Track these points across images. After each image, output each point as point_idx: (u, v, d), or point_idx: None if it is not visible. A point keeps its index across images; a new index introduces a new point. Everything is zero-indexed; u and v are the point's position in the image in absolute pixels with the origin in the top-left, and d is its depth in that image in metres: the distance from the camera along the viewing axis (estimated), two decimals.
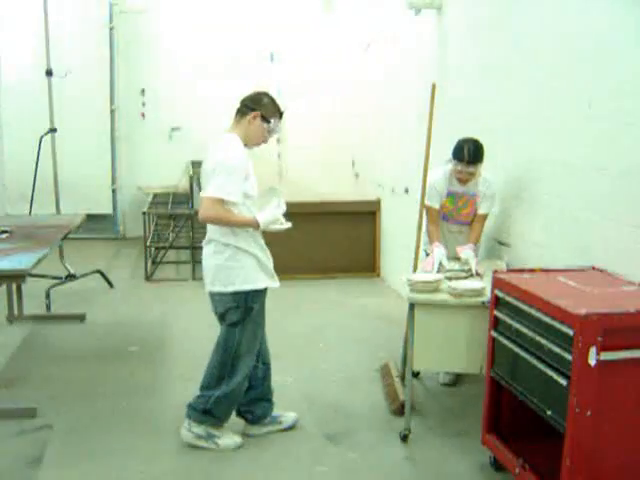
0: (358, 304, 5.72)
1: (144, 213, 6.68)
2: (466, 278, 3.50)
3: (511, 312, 2.86)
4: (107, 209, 8.19)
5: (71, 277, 5.98)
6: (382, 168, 6.57)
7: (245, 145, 3.19)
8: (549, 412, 2.59)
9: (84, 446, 3.32)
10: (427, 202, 4.00)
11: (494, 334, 2.99)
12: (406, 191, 5.77)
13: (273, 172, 7.88)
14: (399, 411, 3.61)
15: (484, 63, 4.35)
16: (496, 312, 2.97)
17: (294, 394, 3.93)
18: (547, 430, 2.72)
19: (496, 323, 2.98)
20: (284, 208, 3.25)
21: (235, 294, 3.18)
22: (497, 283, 2.97)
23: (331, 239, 6.56)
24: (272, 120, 3.22)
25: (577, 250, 3.33)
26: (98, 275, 6.14)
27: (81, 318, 5.20)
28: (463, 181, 3.88)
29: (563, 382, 2.47)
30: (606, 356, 2.41)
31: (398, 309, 5.05)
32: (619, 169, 3.06)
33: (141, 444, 3.35)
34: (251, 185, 3.17)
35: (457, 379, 4.06)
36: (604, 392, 2.44)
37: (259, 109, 3.19)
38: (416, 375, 4.05)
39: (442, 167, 3.97)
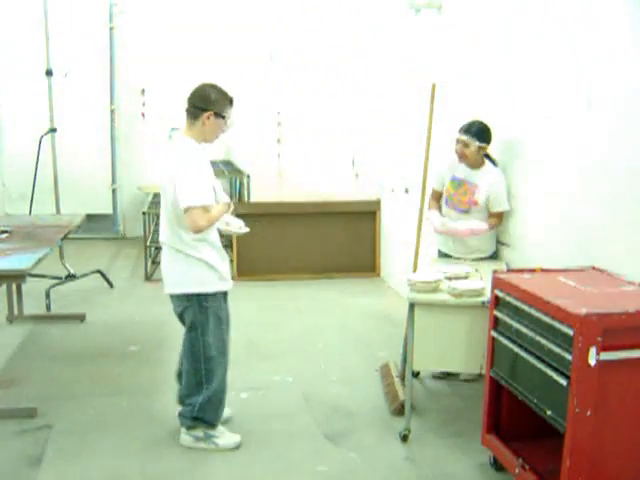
0: (358, 304, 5.72)
1: (144, 213, 6.68)
2: (466, 278, 3.50)
3: (511, 312, 2.86)
4: (107, 209, 8.19)
5: (71, 277, 5.99)
6: (382, 168, 6.57)
7: (203, 141, 3.19)
8: (549, 412, 2.59)
9: (84, 446, 3.32)
10: (430, 183, 4.18)
11: (494, 334, 2.99)
12: (406, 191, 5.77)
13: (273, 172, 7.87)
14: (399, 411, 3.61)
15: (484, 63, 4.35)
16: (496, 312, 2.97)
17: (294, 394, 3.93)
18: (547, 430, 2.72)
19: (496, 323, 2.98)
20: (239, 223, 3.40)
21: (188, 296, 3.21)
22: (497, 283, 2.97)
23: (331, 239, 6.57)
24: (225, 113, 3.17)
25: (577, 250, 3.33)
26: (98, 275, 6.14)
27: (81, 318, 5.20)
28: (459, 154, 3.87)
29: (563, 382, 2.47)
30: (606, 356, 2.41)
31: (398, 309, 5.05)
32: (619, 169, 3.06)
33: (141, 444, 3.35)
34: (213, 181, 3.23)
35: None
36: (604, 392, 2.44)
37: (211, 108, 3.11)
38: (416, 375, 4.05)
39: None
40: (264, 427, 3.54)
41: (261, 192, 7.12)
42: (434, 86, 4.18)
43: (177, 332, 3.42)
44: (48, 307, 5.42)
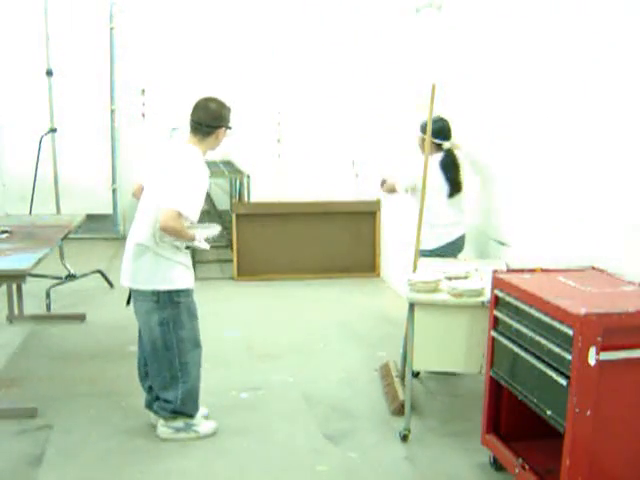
0: (358, 304, 5.73)
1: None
2: (466, 278, 3.51)
3: (511, 312, 2.86)
4: (107, 209, 8.19)
5: (71, 277, 5.99)
6: (382, 168, 6.56)
7: (210, 150, 3.32)
8: (549, 412, 2.60)
9: (84, 446, 3.32)
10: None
11: (494, 334, 2.99)
12: (406, 191, 5.76)
13: (273, 172, 7.88)
14: (399, 411, 3.61)
15: (484, 62, 4.35)
16: (496, 312, 2.97)
17: (294, 394, 3.94)
18: (547, 430, 2.72)
19: (496, 323, 2.99)
20: (218, 230, 3.36)
21: (157, 293, 3.23)
22: (497, 283, 2.97)
23: (331, 239, 6.57)
24: (232, 124, 3.33)
25: (577, 250, 3.33)
26: (98, 275, 6.14)
27: (81, 318, 5.21)
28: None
29: (563, 382, 2.47)
30: (606, 356, 2.42)
31: (398, 309, 5.05)
32: (619, 169, 3.06)
33: (141, 444, 3.35)
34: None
35: None
36: (604, 392, 2.44)
37: (224, 124, 3.28)
38: (416, 375, 4.05)
39: None
40: (264, 427, 3.54)
41: (261, 192, 7.12)
42: (434, 86, 4.18)
43: None
44: (48, 307, 5.42)
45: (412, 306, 3.29)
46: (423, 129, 4.15)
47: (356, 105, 7.23)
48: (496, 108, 4.21)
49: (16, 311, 5.17)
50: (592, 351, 2.40)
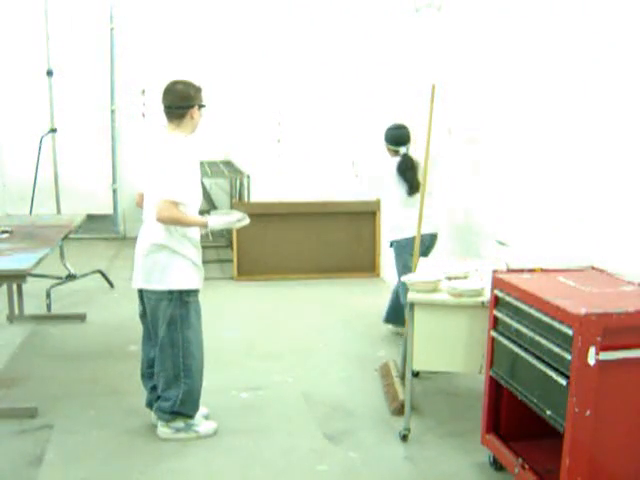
0: (358, 304, 5.73)
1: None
2: (465, 278, 3.51)
3: (511, 312, 2.87)
4: (107, 209, 8.20)
5: (71, 277, 5.99)
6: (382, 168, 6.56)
7: (191, 134, 3.32)
8: (548, 412, 2.60)
9: (84, 446, 3.33)
10: None
11: (494, 334, 2.99)
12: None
13: (273, 172, 7.88)
14: (399, 411, 3.62)
15: (484, 62, 4.36)
16: (496, 312, 2.98)
17: (294, 394, 3.94)
18: (547, 430, 2.73)
19: (496, 323, 2.99)
20: (238, 217, 3.38)
21: (170, 292, 3.26)
22: (497, 283, 2.97)
23: (331, 239, 6.58)
24: (204, 102, 3.34)
25: (577, 250, 3.34)
26: (98, 275, 6.15)
27: (81, 318, 5.21)
28: None
29: (562, 382, 2.48)
30: (605, 356, 2.42)
31: None
32: (619, 169, 3.07)
33: (141, 444, 3.35)
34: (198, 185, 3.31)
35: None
36: (603, 392, 2.44)
37: (194, 103, 3.28)
38: (416, 375, 4.06)
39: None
40: (264, 427, 3.54)
41: (261, 192, 7.13)
42: (434, 87, 4.18)
43: None
44: (49, 307, 5.43)
45: (412, 306, 3.29)
46: (386, 138, 4.64)
47: (356, 105, 7.23)
48: (496, 108, 4.21)
49: (16, 311, 5.17)
50: (592, 351, 2.40)
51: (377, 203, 6.62)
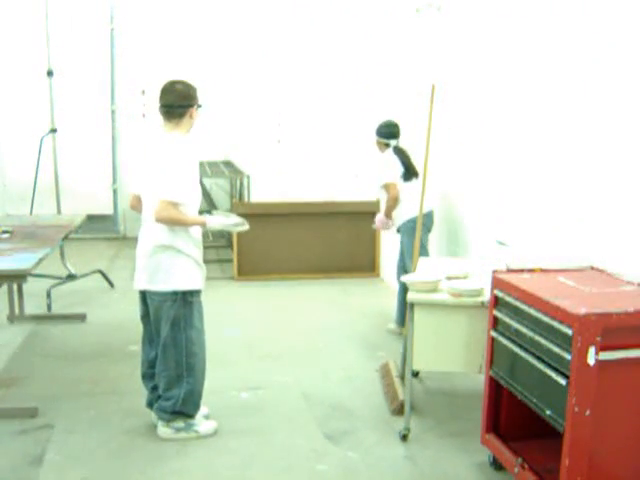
0: (358, 304, 5.73)
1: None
2: (465, 278, 3.51)
3: (510, 312, 2.87)
4: (108, 209, 8.20)
5: (72, 277, 6.00)
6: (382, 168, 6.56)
7: (188, 133, 3.33)
8: (548, 411, 2.60)
9: (85, 445, 3.33)
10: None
11: (493, 334, 2.99)
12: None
13: (273, 172, 7.89)
14: (399, 411, 3.62)
15: (484, 62, 4.36)
16: (495, 312, 2.98)
17: (294, 394, 3.94)
18: (546, 429, 2.73)
19: (495, 323, 2.99)
20: (236, 221, 3.41)
21: (174, 293, 3.27)
22: (496, 283, 2.97)
23: (331, 239, 6.58)
24: (200, 101, 3.37)
25: (577, 250, 3.34)
26: (99, 275, 6.16)
27: (82, 318, 5.22)
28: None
29: (562, 382, 2.48)
30: (605, 356, 2.42)
31: None
32: (619, 169, 3.07)
33: (142, 444, 3.36)
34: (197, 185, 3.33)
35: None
36: (603, 391, 2.45)
37: (193, 102, 3.31)
38: (416, 375, 4.06)
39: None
40: (264, 427, 3.55)
41: (261, 192, 7.13)
42: (434, 87, 4.19)
43: None
44: (49, 307, 5.43)
45: (412, 306, 3.29)
46: (378, 132, 4.94)
47: (356, 105, 7.24)
48: (496, 108, 4.21)
49: (17, 311, 5.18)
50: (591, 351, 2.40)
51: (377, 203, 6.61)
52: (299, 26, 7.79)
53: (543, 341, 2.62)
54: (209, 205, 7.80)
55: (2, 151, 7.90)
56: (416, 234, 4.34)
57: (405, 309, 4.59)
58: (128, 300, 5.75)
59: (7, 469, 3.11)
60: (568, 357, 2.45)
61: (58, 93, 6.34)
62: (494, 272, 3.05)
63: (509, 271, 3.14)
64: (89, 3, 7.84)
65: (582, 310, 2.42)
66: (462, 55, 4.68)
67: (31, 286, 4.89)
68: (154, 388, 3.47)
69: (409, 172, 4.80)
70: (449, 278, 3.45)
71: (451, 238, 4.91)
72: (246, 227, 3.40)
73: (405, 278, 3.43)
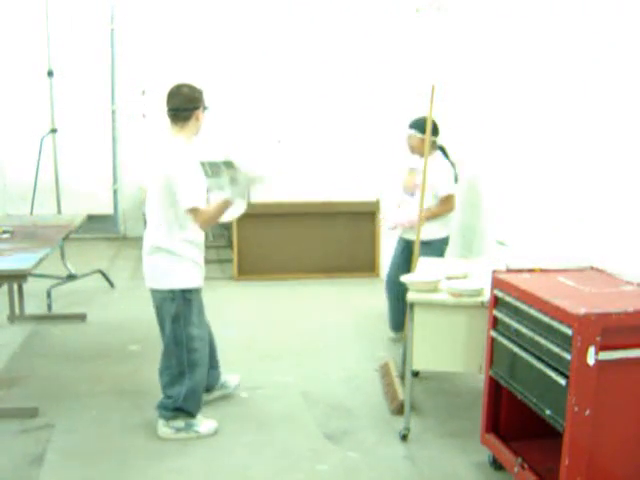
0: (358, 304, 5.73)
1: (145, 213, 6.68)
2: (465, 278, 3.52)
3: (510, 312, 2.87)
4: (108, 209, 8.20)
5: (72, 277, 6.00)
6: (382, 168, 6.57)
7: (194, 136, 3.40)
8: (548, 411, 2.60)
9: (85, 445, 3.33)
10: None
11: (493, 334, 3.00)
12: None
13: (273, 172, 7.87)
14: (399, 410, 3.62)
15: (484, 62, 4.36)
16: (495, 312, 2.98)
17: (294, 393, 3.95)
18: (546, 429, 2.73)
19: (495, 323, 2.99)
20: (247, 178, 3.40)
21: (171, 291, 3.32)
22: (496, 283, 2.98)
23: (331, 239, 6.58)
24: (205, 103, 3.41)
25: (576, 250, 3.34)
26: (99, 275, 6.16)
27: (82, 318, 5.22)
28: (410, 148, 4.41)
29: (562, 381, 2.48)
30: (605, 356, 2.42)
31: None
32: (619, 169, 3.07)
33: (142, 443, 3.36)
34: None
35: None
36: (603, 391, 2.45)
37: (199, 105, 3.36)
38: (416, 375, 4.06)
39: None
40: (264, 426, 3.55)
41: (261, 192, 7.12)
42: (434, 88, 4.19)
43: None
44: (49, 307, 5.43)
45: (412, 306, 3.30)
46: (420, 128, 4.29)
47: (356, 105, 7.24)
48: (496, 108, 4.22)
49: (17, 311, 5.18)
50: (591, 351, 2.41)
51: (377, 203, 6.63)
52: (299, 26, 7.79)
53: (543, 341, 2.62)
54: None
55: (2, 151, 7.90)
56: (416, 233, 4.33)
57: (396, 313, 4.61)
58: (128, 300, 5.75)
59: (7, 469, 3.11)
60: (568, 357, 2.45)
61: (58, 93, 6.34)
62: (494, 272, 3.05)
63: (509, 271, 3.14)
64: (89, 3, 7.84)
65: (582, 310, 2.43)
66: (462, 55, 4.69)
67: (31, 286, 4.89)
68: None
69: (456, 179, 4.42)
70: (449, 278, 3.45)
71: (451, 238, 4.91)
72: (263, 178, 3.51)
73: (405, 278, 3.43)
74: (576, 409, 2.44)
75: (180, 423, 3.39)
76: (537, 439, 3.00)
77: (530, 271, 3.08)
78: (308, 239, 6.56)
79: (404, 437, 3.40)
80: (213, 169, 3.36)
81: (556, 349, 2.53)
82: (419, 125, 4.31)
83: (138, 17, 7.91)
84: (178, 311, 3.32)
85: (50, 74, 6.11)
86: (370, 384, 4.09)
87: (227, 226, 6.47)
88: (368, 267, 6.68)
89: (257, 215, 6.38)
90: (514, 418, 3.10)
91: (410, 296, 3.30)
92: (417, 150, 4.35)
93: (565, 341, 2.48)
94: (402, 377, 3.88)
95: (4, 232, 4.33)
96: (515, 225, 3.99)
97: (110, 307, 5.56)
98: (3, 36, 7.64)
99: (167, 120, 3.36)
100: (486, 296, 3.14)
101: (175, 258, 3.29)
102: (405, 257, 4.52)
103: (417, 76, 5.39)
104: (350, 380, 4.15)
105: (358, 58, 7.10)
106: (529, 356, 2.71)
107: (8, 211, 7.48)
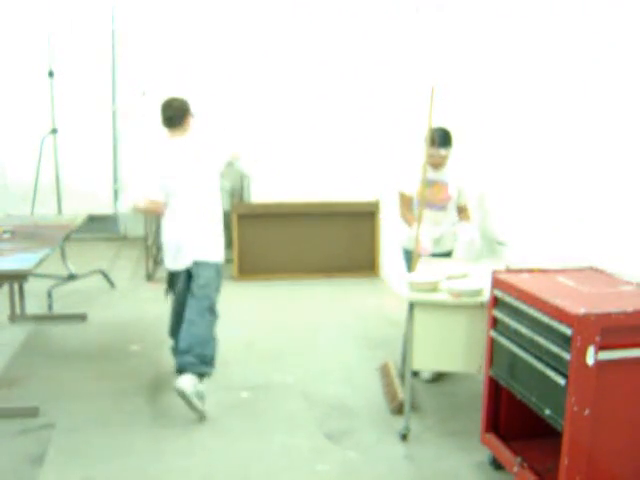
0: (358, 304, 5.74)
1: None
2: (465, 278, 3.52)
3: (510, 312, 2.88)
4: (108, 209, 8.21)
5: (73, 277, 6.00)
6: (382, 168, 6.58)
7: None
8: (547, 411, 2.61)
9: (86, 445, 3.34)
10: (401, 189, 4.26)
11: (493, 334, 3.00)
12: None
13: (273, 172, 7.88)
14: (398, 410, 3.63)
15: (484, 62, 4.37)
16: (495, 312, 2.99)
17: (294, 393, 3.95)
18: (546, 429, 2.74)
19: (495, 323, 3.00)
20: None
21: (219, 264, 3.92)
22: (496, 283, 2.98)
23: (331, 239, 6.59)
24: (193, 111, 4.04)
25: (576, 250, 3.35)
26: (99, 275, 6.17)
27: (82, 318, 5.22)
28: (435, 165, 4.08)
29: (561, 381, 2.49)
30: (604, 355, 2.43)
31: (398, 309, 5.06)
32: (619, 169, 3.08)
33: (142, 443, 3.37)
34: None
35: (439, 376, 4.13)
36: (602, 391, 2.46)
37: (189, 112, 3.97)
38: (415, 374, 4.06)
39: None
40: (264, 426, 3.55)
41: (261, 192, 7.13)
42: (433, 89, 4.19)
43: None
44: (50, 307, 5.44)
45: (412, 306, 3.30)
46: (449, 143, 4.04)
47: (356, 105, 7.24)
48: (496, 108, 4.22)
49: (18, 311, 5.18)
50: (590, 351, 2.41)
51: (376, 204, 6.63)
52: (299, 26, 7.78)
53: (542, 341, 2.62)
54: None
55: (3, 151, 7.91)
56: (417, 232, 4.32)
57: None
58: (129, 300, 5.76)
59: (8, 468, 3.12)
60: (567, 357, 2.46)
61: (59, 93, 6.36)
62: (494, 272, 3.06)
63: (508, 271, 3.15)
64: (90, 4, 7.84)
65: (581, 310, 2.43)
66: (462, 55, 4.69)
67: (32, 286, 4.90)
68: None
69: None
70: (449, 278, 3.46)
71: None
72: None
73: (405, 278, 3.43)
74: (575, 409, 2.44)
75: (202, 388, 3.59)
76: (537, 439, 3.00)
77: (530, 271, 3.08)
78: (308, 239, 6.56)
79: (404, 437, 3.40)
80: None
81: (555, 349, 2.54)
82: (448, 141, 4.08)
83: (139, 18, 7.91)
84: (212, 279, 3.79)
85: (51, 74, 6.12)
86: (370, 384, 4.09)
87: (227, 226, 6.47)
88: (368, 267, 6.68)
89: (257, 215, 6.40)
90: (514, 418, 3.10)
91: (410, 296, 3.31)
92: (443, 164, 4.15)
93: (564, 341, 2.48)
94: (402, 377, 3.88)
95: (5, 232, 4.34)
96: (515, 225, 3.99)
97: (110, 307, 5.57)
98: (4, 36, 7.65)
99: (164, 128, 3.87)
100: (486, 296, 3.14)
101: (220, 235, 3.90)
102: None
103: (417, 76, 5.40)
104: (350, 380, 4.16)
105: (358, 58, 7.10)
106: (529, 356, 2.72)
107: (9, 211, 7.47)
